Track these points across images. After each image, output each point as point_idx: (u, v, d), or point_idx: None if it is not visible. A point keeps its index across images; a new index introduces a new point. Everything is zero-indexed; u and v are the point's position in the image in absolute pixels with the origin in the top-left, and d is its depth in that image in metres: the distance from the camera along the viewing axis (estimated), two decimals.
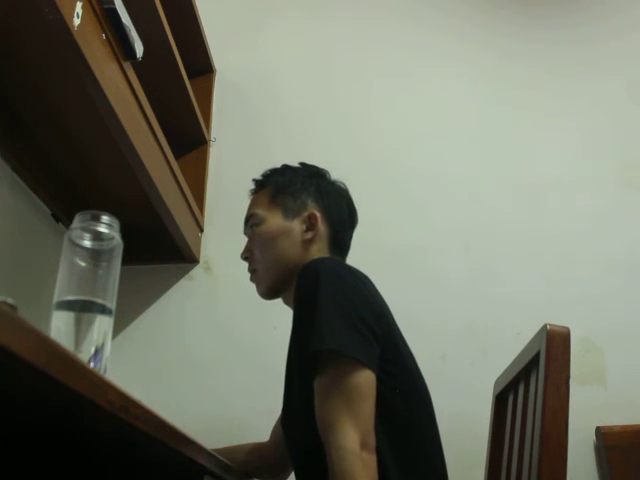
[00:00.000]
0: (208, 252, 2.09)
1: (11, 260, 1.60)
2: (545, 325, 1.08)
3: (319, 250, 1.27)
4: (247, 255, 1.33)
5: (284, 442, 1.31)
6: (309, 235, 1.27)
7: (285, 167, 1.37)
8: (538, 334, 1.12)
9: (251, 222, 1.33)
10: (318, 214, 1.29)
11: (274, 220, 1.30)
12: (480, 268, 2.08)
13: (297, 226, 1.28)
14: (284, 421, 1.31)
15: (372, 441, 1.00)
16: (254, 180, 1.38)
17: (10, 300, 0.69)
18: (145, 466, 0.89)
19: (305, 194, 1.31)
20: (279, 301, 1.34)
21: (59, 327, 0.82)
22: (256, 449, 1.46)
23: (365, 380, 1.02)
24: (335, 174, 1.39)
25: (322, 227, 1.29)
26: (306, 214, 1.29)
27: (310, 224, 1.28)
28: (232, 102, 2.28)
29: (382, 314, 1.14)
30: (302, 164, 1.39)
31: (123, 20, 1.27)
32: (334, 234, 1.30)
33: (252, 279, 1.34)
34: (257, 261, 1.31)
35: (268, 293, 1.32)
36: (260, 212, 1.32)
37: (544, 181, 2.20)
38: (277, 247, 1.28)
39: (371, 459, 0.98)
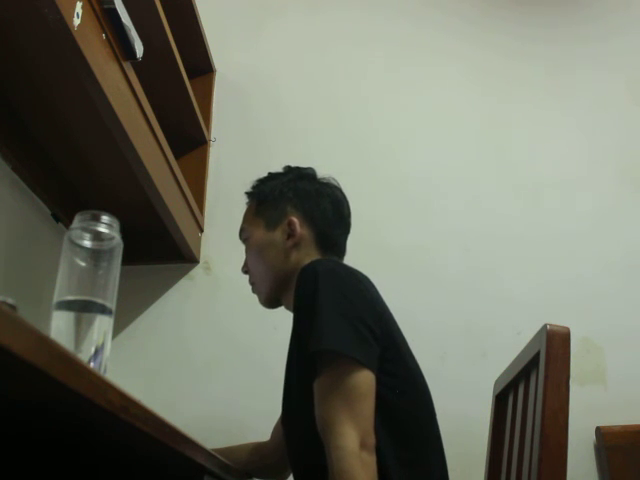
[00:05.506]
0: (208, 252, 2.09)
1: (11, 260, 1.60)
2: (545, 325, 1.08)
3: (307, 254, 1.27)
4: (246, 269, 1.36)
5: (284, 442, 1.31)
6: (290, 242, 1.28)
7: (268, 176, 1.38)
8: (538, 334, 1.12)
9: (242, 237, 1.37)
10: (296, 219, 1.28)
11: (258, 234, 1.31)
12: (480, 268, 2.08)
13: (279, 236, 1.29)
14: (284, 422, 1.31)
15: (372, 441, 1.00)
16: (245, 193, 1.39)
17: (10, 300, 0.69)
18: (145, 466, 0.89)
19: (284, 201, 1.31)
20: None
21: (59, 327, 0.82)
22: (257, 449, 1.47)
23: (364, 380, 1.02)
24: (334, 174, 1.39)
25: (304, 231, 1.28)
26: (286, 221, 1.29)
27: (290, 230, 1.28)
28: (232, 102, 2.28)
29: (382, 314, 1.14)
30: (286, 168, 1.39)
31: (123, 20, 1.27)
32: (320, 235, 1.29)
33: (253, 291, 1.36)
34: (253, 275, 1.34)
35: (268, 304, 1.35)
36: (246, 227, 1.35)
37: (544, 181, 2.20)
38: (264, 260, 1.30)
39: (371, 459, 0.99)
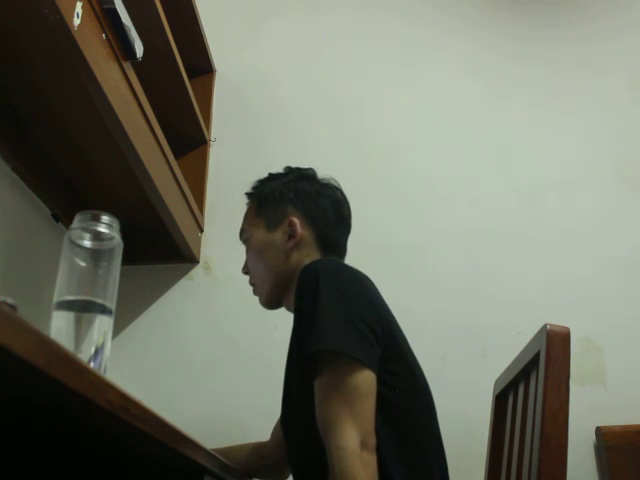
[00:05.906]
0: (208, 252, 2.09)
1: (11, 260, 1.60)
2: (545, 325, 1.08)
3: (307, 255, 1.27)
4: (246, 270, 1.36)
5: (284, 442, 1.31)
6: (291, 243, 1.27)
7: (269, 176, 1.38)
8: (538, 334, 1.12)
9: (242, 238, 1.37)
10: (297, 220, 1.28)
11: (258, 235, 1.31)
12: (480, 268, 2.08)
13: (279, 236, 1.29)
14: (283, 422, 1.31)
15: (372, 441, 1.00)
16: (246, 193, 1.39)
17: (10, 300, 0.69)
18: (145, 466, 0.89)
19: (284, 202, 1.31)
20: None
21: (59, 327, 0.82)
22: (257, 449, 1.47)
23: (365, 380, 1.02)
24: (334, 174, 1.39)
25: (305, 232, 1.28)
26: (287, 222, 1.29)
27: (291, 231, 1.28)
28: (232, 102, 2.28)
29: (383, 314, 1.14)
30: (286, 169, 1.39)
31: (123, 20, 1.27)
32: (321, 235, 1.29)
33: (254, 292, 1.36)
34: (253, 275, 1.34)
35: (268, 304, 1.35)
36: (247, 227, 1.35)
37: (544, 181, 2.20)
38: (264, 261, 1.30)
39: (371, 459, 0.99)
